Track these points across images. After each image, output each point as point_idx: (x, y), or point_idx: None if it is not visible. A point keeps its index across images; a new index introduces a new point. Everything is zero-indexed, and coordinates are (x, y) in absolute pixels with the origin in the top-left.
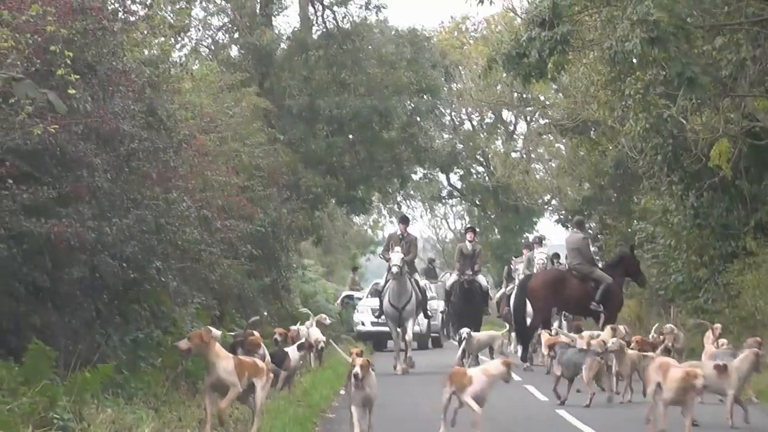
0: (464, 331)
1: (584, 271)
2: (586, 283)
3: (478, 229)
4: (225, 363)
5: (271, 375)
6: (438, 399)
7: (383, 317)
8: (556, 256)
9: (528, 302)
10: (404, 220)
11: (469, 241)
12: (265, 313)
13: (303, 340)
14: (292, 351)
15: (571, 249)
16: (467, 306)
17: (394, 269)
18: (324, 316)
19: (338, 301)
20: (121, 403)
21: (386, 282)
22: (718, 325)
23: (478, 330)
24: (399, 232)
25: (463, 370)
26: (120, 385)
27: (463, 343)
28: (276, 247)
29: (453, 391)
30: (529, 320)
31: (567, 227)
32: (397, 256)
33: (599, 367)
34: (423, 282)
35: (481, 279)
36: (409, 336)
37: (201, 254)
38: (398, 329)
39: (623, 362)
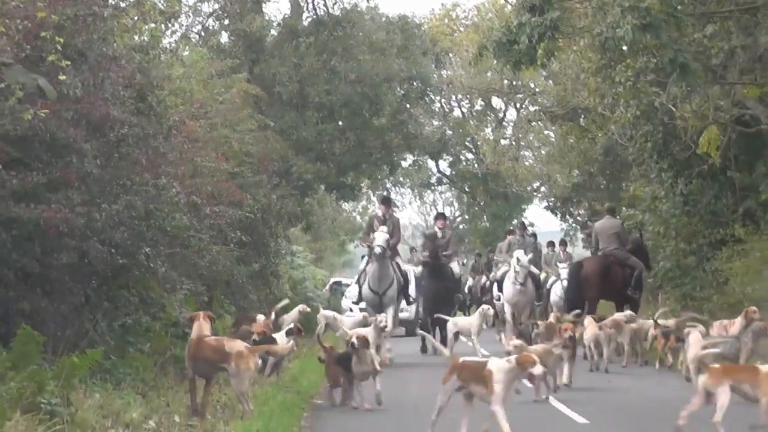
0: (451, 320)
1: (621, 257)
2: (624, 270)
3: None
4: None
5: (258, 361)
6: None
7: (363, 303)
8: (550, 244)
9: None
10: (386, 201)
11: (439, 228)
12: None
13: (291, 325)
14: (281, 337)
15: (608, 235)
16: (438, 291)
17: (377, 249)
18: (304, 306)
19: (327, 287)
20: (109, 388)
21: (366, 265)
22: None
23: (449, 315)
24: (381, 214)
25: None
26: (108, 370)
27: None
28: (265, 233)
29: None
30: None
31: (556, 214)
32: (381, 235)
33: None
34: (405, 267)
35: (454, 265)
36: (389, 324)
37: (190, 240)
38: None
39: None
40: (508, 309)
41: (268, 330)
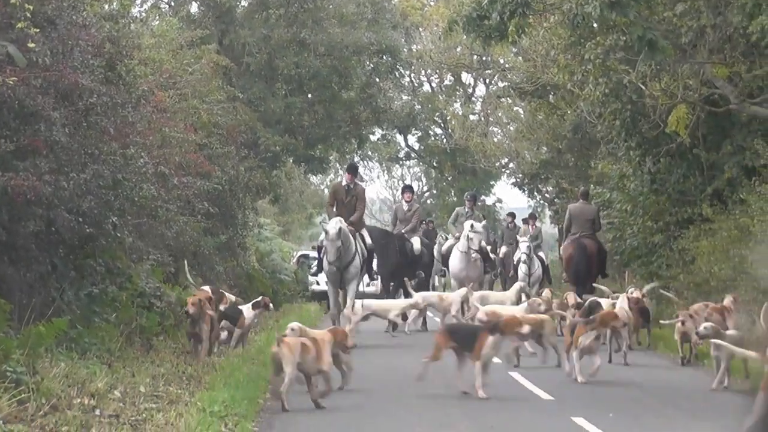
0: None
1: (596, 244)
2: (600, 255)
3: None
4: None
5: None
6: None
7: (323, 276)
8: (511, 214)
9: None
10: (352, 170)
11: (407, 201)
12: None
13: (259, 298)
14: (246, 309)
15: (584, 220)
16: (397, 266)
17: (331, 232)
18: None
19: (294, 260)
20: (74, 357)
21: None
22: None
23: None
24: (345, 183)
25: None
26: (74, 339)
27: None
28: (233, 204)
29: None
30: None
31: (524, 190)
32: (334, 224)
33: None
34: (369, 240)
35: (415, 240)
36: (350, 301)
37: (157, 211)
38: (339, 292)
39: None
40: (454, 284)
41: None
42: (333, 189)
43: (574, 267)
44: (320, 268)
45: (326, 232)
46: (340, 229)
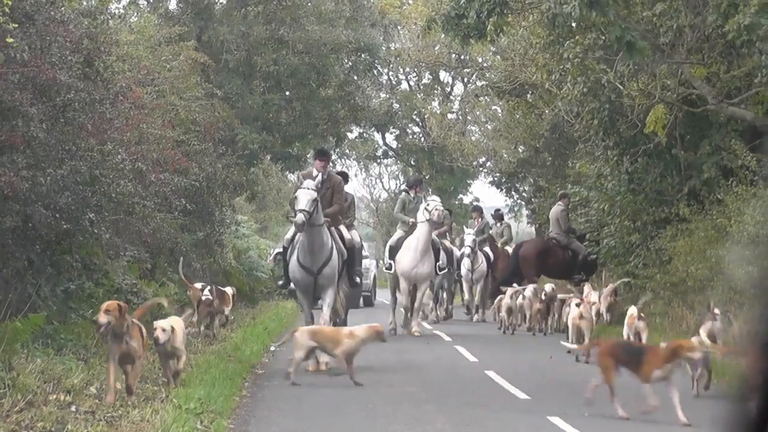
0: None
1: (563, 242)
2: (565, 252)
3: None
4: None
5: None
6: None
7: (292, 285)
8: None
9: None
10: (322, 155)
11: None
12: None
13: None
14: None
15: (553, 220)
16: None
17: (298, 217)
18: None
19: (270, 258)
20: (50, 353)
21: (293, 234)
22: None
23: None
24: (315, 172)
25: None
26: (50, 335)
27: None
28: (210, 201)
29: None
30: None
31: (501, 189)
32: (305, 194)
33: None
34: (351, 234)
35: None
36: (326, 315)
37: (135, 207)
38: (310, 304)
39: None
40: (403, 284)
41: None
42: (300, 180)
43: (507, 269)
44: (288, 280)
45: (299, 189)
46: (313, 200)
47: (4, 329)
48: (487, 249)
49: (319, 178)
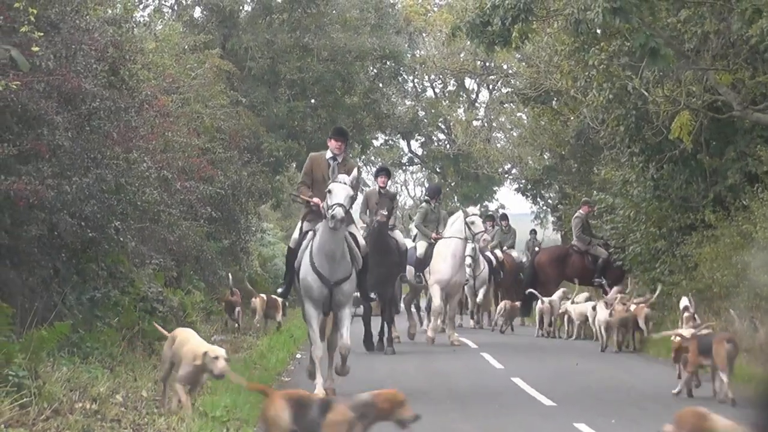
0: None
1: (582, 248)
2: (584, 258)
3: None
4: None
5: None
6: None
7: (304, 294)
8: (490, 218)
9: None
10: (338, 133)
11: (381, 187)
12: (230, 275)
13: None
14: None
15: (575, 226)
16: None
17: (338, 211)
18: None
19: None
20: (76, 361)
21: (302, 235)
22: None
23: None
24: (331, 155)
25: None
26: (76, 344)
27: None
28: (235, 209)
29: None
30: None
31: (527, 196)
32: (340, 189)
33: None
34: (395, 235)
35: (397, 234)
36: (345, 338)
37: (160, 215)
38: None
39: None
40: (438, 293)
41: None
42: (312, 162)
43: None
44: (288, 287)
45: (333, 182)
46: (350, 197)
47: (30, 338)
48: (488, 254)
49: (355, 173)
